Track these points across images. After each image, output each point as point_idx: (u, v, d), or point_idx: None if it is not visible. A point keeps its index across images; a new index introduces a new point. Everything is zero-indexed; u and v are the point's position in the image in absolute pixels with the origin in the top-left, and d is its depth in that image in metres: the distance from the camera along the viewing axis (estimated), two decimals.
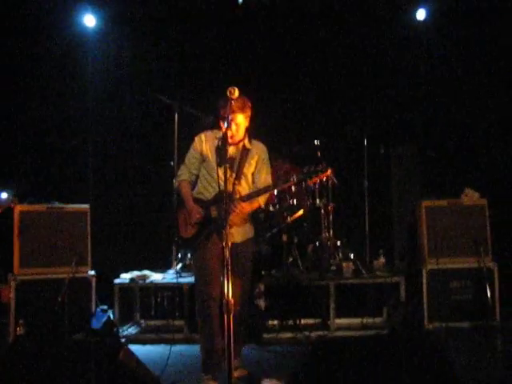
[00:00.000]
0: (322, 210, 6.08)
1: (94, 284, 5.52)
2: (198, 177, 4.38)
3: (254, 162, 4.31)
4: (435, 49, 6.76)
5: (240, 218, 4.24)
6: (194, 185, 4.39)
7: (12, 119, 6.59)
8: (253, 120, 4.28)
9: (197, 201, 4.27)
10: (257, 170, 4.33)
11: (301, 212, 5.98)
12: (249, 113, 4.22)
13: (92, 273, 5.54)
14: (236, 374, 4.18)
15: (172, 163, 5.94)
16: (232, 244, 3.86)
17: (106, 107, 6.83)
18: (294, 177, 4.13)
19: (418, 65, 6.79)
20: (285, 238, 5.88)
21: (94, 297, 5.50)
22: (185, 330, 5.49)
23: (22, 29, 6.53)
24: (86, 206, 5.68)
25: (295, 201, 5.93)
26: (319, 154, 6.06)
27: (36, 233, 5.47)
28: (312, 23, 6.83)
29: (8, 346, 5.03)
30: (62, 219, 5.57)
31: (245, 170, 4.28)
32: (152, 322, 5.94)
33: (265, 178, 4.33)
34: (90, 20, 6.69)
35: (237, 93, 3.59)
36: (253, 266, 4.41)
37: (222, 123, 4.13)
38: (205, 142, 4.31)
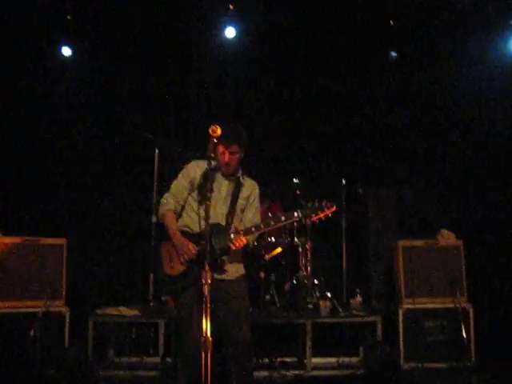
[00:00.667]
0: (300, 248, 6.10)
1: (67, 319, 5.43)
2: (183, 207, 4.07)
3: (245, 197, 4.09)
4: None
5: (236, 254, 3.97)
6: (178, 216, 4.08)
7: None
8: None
9: (183, 233, 3.96)
10: (246, 208, 4.09)
11: (278, 250, 6.00)
12: (245, 142, 4.00)
13: (65, 308, 5.45)
14: None
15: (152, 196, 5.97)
16: (226, 281, 3.85)
17: (86, 138, 6.83)
18: (299, 212, 3.88)
19: (393, 104, 6.94)
20: (262, 275, 5.87)
21: (67, 332, 5.40)
22: (159, 368, 5.40)
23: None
24: (62, 240, 5.62)
25: (273, 238, 5.95)
26: (298, 192, 6.11)
27: (10, 265, 5.38)
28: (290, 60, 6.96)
29: None
30: (38, 252, 5.49)
31: (236, 206, 4.03)
32: (126, 359, 5.83)
33: (253, 216, 4.10)
34: (66, 50, 6.77)
35: (219, 131, 3.51)
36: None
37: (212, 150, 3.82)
38: (198, 171, 4.03)
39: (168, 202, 4.07)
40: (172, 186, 4.12)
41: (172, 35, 6.79)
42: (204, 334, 3.19)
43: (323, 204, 3.93)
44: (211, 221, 3.58)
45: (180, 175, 4.13)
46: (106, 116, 6.81)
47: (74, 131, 6.81)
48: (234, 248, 3.83)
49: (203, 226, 3.65)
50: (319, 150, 7.00)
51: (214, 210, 3.86)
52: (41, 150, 6.72)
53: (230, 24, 6.68)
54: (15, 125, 6.65)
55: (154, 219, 5.95)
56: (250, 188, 4.14)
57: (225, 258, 3.89)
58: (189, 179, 4.04)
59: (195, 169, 4.05)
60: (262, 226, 3.88)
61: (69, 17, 6.52)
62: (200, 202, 3.90)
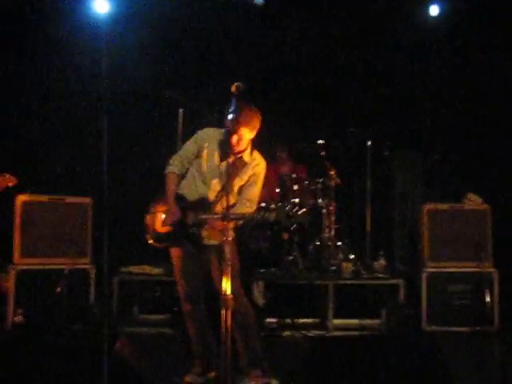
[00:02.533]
0: (324, 210, 6.07)
1: (93, 276, 5.54)
2: (188, 170, 4.18)
3: (246, 177, 4.08)
4: (445, 49, 6.72)
5: (217, 234, 3.98)
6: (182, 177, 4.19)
7: (16, 109, 6.60)
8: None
9: (178, 198, 4.09)
10: (247, 184, 4.09)
11: (303, 211, 5.97)
12: (256, 126, 4.02)
13: (92, 265, 5.55)
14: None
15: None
16: (211, 246, 3.97)
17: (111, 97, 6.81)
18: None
19: (426, 67, 6.78)
20: (285, 236, 5.88)
21: (93, 289, 5.51)
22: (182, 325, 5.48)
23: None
24: (87, 199, 5.69)
25: (297, 199, 5.93)
26: (322, 153, 6.06)
27: (37, 223, 5.48)
28: (318, 23, 6.82)
29: (6, 333, 5.12)
30: (64, 210, 5.58)
31: (234, 183, 4.05)
32: (150, 316, 5.94)
33: (252, 194, 4.08)
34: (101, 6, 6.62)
35: (242, 89, 3.53)
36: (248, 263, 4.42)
37: (228, 124, 4.00)
38: (207, 140, 4.12)
39: (174, 164, 4.17)
40: (182, 149, 4.24)
41: None
42: (224, 292, 3.26)
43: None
44: (205, 192, 3.97)
45: (191, 139, 4.19)
46: (129, 75, 6.76)
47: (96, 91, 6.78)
48: (207, 227, 3.94)
49: (196, 195, 4.01)
50: (345, 110, 6.89)
51: (210, 182, 4.02)
52: (66, 107, 6.73)
53: None
54: (41, 81, 6.66)
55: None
56: (255, 168, 4.12)
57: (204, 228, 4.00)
58: (197, 146, 4.13)
59: (202, 139, 4.14)
60: (237, 216, 3.88)
61: None
62: (203, 170, 4.04)
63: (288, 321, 5.58)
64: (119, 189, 6.73)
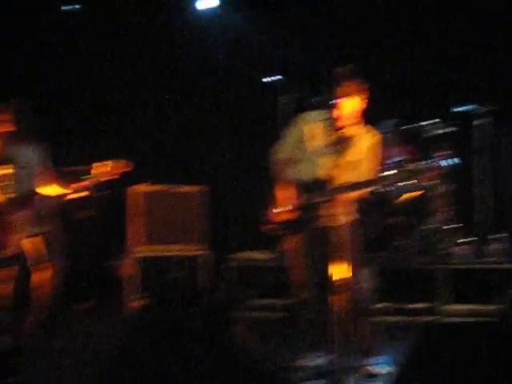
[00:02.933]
0: (433, 192, 5.95)
1: (210, 263, 5.78)
2: (297, 155, 4.11)
3: (358, 152, 3.98)
4: None
5: (340, 208, 3.91)
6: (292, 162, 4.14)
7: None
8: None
9: (293, 183, 4.04)
10: (360, 159, 3.99)
11: (412, 193, 5.90)
12: (364, 96, 3.93)
13: (209, 252, 5.80)
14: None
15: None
16: (333, 227, 3.75)
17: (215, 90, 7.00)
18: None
19: None
20: (394, 219, 5.84)
21: (208, 275, 5.76)
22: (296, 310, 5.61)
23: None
24: (204, 187, 5.92)
25: (405, 181, 5.84)
26: (434, 133, 5.90)
27: (157, 212, 5.80)
28: None
29: (138, 314, 5.47)
30: (182, 199, 5.86)
31: (348, 158, 3.93)
32: (266, 301, 6.10)
33: (368, 169, 3.99)
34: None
35: (345, 72, 3.57)
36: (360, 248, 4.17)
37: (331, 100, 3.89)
38: (308, 122, 4.06)
39: (279, 150, 4.17)
40: (285, 134, 4.19)
41: None
42: (335, 277, 3.35)
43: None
44: (317, 173, 3.80)
45: (293, 124, 4.15)
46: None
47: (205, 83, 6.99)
48: (326, 208, 3.83)
49: (310, 177, 3.92)
50: (449, 90, 6.65)
51: (321, 161, 3.88)
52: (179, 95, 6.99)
53: None
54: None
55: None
56: (368, 139, 4.02)
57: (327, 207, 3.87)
58: (300, 129, 4.09)
59: (303, 122, 4.09)
60: (359, 184, 3.83)
61: None
62: (310, 152, 3.98)
63: (399, 306, 5.56)
64: (233, 176, 6.95)
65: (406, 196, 5.88)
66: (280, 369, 4.06)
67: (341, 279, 3.34)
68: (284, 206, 4.04)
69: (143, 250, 5.74)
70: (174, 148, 6.98)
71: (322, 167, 3.90)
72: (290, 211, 4.01)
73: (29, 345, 4.59)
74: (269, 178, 5.90)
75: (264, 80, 5.82)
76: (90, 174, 4.82)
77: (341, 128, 3.96)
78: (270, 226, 4.17)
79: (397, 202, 5.85)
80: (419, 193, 5.91)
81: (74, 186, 4.68)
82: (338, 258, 3.62)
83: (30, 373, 4.03)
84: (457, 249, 5.68)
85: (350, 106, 3.92)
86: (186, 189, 5.92)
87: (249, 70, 6.81)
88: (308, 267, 4.05)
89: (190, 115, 6.98)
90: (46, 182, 4.72)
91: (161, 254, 5.74)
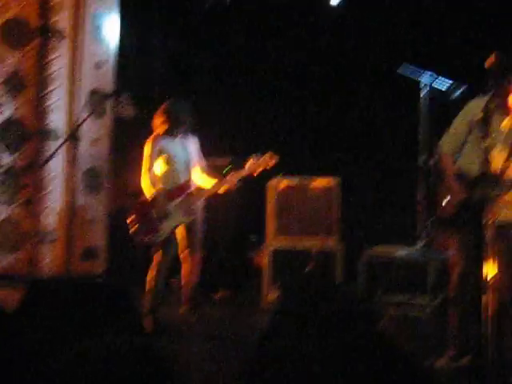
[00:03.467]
0: None
1: (340, 256, 5.75)
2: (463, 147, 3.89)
3: None
4: None
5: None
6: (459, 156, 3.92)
7: None
8: None
9: (459, 177, 3.83)
10: None
11: None
12: None
13: (339, 245, 5.77)
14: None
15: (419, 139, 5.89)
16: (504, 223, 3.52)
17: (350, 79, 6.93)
18: None
19: None
20: None
21: (340, 268, 5.73)
22: (427, 309, 5.45)
23: None
24: (335, 179, 5.91)
25: None
26: None
27: (289, 205, 5.87)
28: None
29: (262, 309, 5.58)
30: (313, 192, 5.88)
31: None
32: (395, 298, 5.96)
33: None
34: None
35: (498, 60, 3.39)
36: None
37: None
38: (478, 110, 3.69)
39: (444, 144, 3.97)
40: (451, 126, 3.98)
41: None
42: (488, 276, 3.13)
43: None
44: (486, 166, 3.46)
45: (460, 115, 3.93)
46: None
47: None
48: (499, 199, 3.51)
49: (478, 169, 3.61)
50: None
51: (492, 151, 3.55)
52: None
53: None
54: None
55: (421, 160, 5.89)
56: None
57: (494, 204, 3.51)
58: (466, 120, 3.86)
59: (474, 108, 3.82)
60: None
61: None
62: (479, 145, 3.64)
63: None
64: (365, 168, 6.85)
65: None
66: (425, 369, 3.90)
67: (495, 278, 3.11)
68: (452, 200, 3.80)
69: (280, 243, 5.81)
70: (305, 139, 7.00)
71: (493, 159, 3.57)
72: (453, 206, 3.79)
73: (173, 328, 4.86)
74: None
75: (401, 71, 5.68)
76: (234, 166, 5.19)
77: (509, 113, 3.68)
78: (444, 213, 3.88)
79: None
80: None
81: (229, 178, 4.98)
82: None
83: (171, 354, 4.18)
84: None
85: None
86: (318, 181, 5.91)
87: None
88: (467, 266, 3.77)
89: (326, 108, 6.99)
90: (201, 174, 5.11)
91: (293, 246, 5.77)
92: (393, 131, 6.72)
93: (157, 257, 4.89)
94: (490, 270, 3.11)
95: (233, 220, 6.61)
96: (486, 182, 3.53)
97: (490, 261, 3.11)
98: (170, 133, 5.02)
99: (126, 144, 6.82)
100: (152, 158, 4.96)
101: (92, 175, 6.38)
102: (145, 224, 4.82)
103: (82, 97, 6.14)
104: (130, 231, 4.87)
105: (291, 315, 3.95)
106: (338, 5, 6.77)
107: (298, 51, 7.07)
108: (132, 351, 2.65)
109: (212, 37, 7.25)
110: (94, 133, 6.37)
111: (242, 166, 5.01)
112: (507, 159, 3.58)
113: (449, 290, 3.98)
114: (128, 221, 4.88)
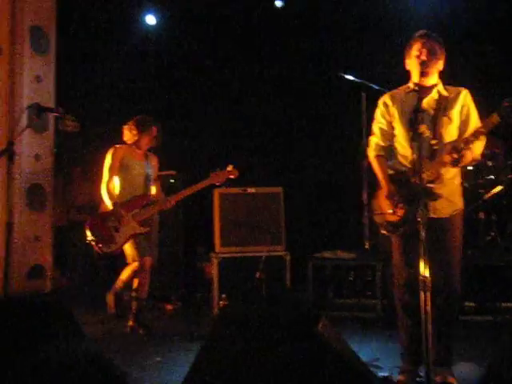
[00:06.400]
0: None
1: (288, 262, 5.78)
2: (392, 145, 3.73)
3: (455, 112, 3.56)
4: None
5: (447, 188, 3.55)
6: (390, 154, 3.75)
7: None
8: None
9: (394, 175, 3.67)
10: (462, 121, 3.56)
11: (499, 188, 5.64)
12: (442, 46, 3.60)
13: (286, 251, 5.80)
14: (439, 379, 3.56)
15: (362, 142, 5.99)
16: (437, 219, 3.46)
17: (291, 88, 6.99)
18: (494, 115, 3.27)
19: None
20: (482, 215, 5.60)
21: (288, 275, 5.75)
22: (377, 310, 5.50)
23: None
24: (278, 188, 5.95)
25: (492, 176, 5.60)
26: None
27: (234, 214, 5.87)
28: None
29: (216, 316, 5.54)
30: (257, 201, 5.91)
31: (442, 125, 3.53)
32: (344, 301, 6.01)
33: (471, 126, 3.50)
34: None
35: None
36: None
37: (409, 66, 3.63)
38: (391, 103, 3.70)
39: (371, 147, 3.80)
40: (373, 127, 3.82)
41: None
42: (422, 274, 3.07)
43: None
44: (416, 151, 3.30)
45: (376, 112, 3.80)
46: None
47: None
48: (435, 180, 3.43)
49: (409, 161, 3.50)
50: None
51: (421, 135, 3.41)
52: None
53: None
54: None
55: (365, 164, 5.99)
56: (459, 97, 3.59)
57: (436, 194, 3.49)
58: (385, 116, 3.73)
59: (385, 106, 3.74)
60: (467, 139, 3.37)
61: None
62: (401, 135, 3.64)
63: (489, 305, 5.31)
64: (308, 175, 6.92)
65: (494, 190, 5.63)
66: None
67: (436, 278, 3.11)
68: (389, 203, 3.62)
69: (227, 252, 5.80)
70: (250, 149, 7.03)
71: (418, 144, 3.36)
72: (395, 208, 3.59)
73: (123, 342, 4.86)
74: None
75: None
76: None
77: (425, 92, 3.59)
78: (385, 230, 3.74)
79: (484, 197, 5.62)
80: (505, 186, 5.64)
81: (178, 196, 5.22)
82: (438, 255, 3.37)
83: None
84: None
85: (433, 58, 3.58)
86: (263, 190, 5.96)
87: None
88: (410, 267, 3.55)
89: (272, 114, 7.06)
90: (157, 189, 5.32)
91: (241, 254, 5.78)
92: (336, 135, 6.80)
93: (131, 266, 5.03)
94: (423, 269, 3.08)
95: (181, 232, 6.60)
96: (418, 172, 3.33)
97: (423, 260, 3.08)
98: (136, 146, 5.17)
99: (72, 158, 6.76)
100: (113, 169, 5.06)
101: (35, 192, 6.25)
102: (101, 234, 4.91)
103: (21, 111, 6.02)
104: (87, 241, 4.93)
105: (240, 323, 3.94)
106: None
107: (239, 61, 7.10)
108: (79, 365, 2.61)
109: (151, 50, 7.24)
110: (37, 149, 6.25)
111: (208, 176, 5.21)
112: (432, 141, 3.50)
113: (395, 293, 3.85)
114: (85, 231, 4.92)
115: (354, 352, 3.76)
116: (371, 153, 3.81)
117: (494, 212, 5.72)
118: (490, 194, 5.61)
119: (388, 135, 3.75)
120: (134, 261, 5.03)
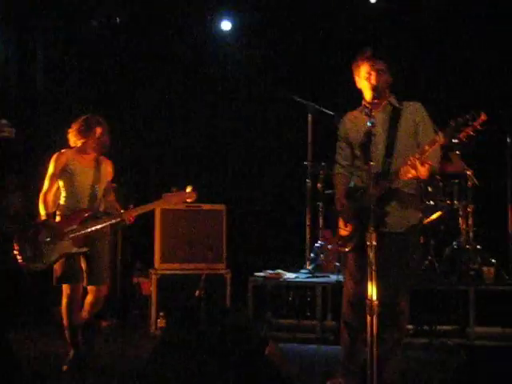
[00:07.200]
0: (461, 212, 5.82)
1: (228, 281, 5.70)
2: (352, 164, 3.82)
3: (408, 126, 3.63)
4: None
5: (399, 202, 3.59)
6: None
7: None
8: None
9: (352, 192, 3.74)
10: (419, 134, 3.62)
11: (438, 213, 5.77)
12: (389, 61, 3.68)
13: (227, 270, 5.73)
14: None
15: (306, 163, 6.02)
16: (390, 234, 3.48)
17: (238, 107, 7.00)
18: (440, 134, 3.29)
19: None
20: (421, 240, 5.70)
21: (228, 293, 5.68)
22: (317, 330, 5.49)
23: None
24: (221, 206, 5.88)
25: (432, 202, 5.73)
26: (458, 152, 5.79)
27: (175, 230, 5.75)
28: None
29: (158, 339, 5.37)
30: (200, 218, 5.81)
31: (398, 138, 3.60)
32: (283, 321, 5.98)
33: (427, 138, 3.49)
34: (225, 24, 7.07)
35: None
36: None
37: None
38: (347, 124, 3.83)
39: (334, 166, 3.95)
40: (336, 145, 3.93)
41: None
42: (369, 298, 3.08)
43: (468, 116, 3.21)
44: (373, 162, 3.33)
45: (338, 132, 3.90)
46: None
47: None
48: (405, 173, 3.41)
49: (366, 173, 3.47)
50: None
51: (375, 150, 3.44)
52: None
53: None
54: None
55: (308, 184, 6.03)
56: (412, 110, 3.68)
57: (391, 206, 3.54)
58: (343, 137, 3.85)
59: (342, 127, 3.86)
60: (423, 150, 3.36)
61: None
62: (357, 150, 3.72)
63: (426, 328, 5.39)
64: (252, 194, 6.89)
65: (432, 216, 5.76)
66: None
67: (381, 299, 3.10)
68: (343, 218, 3.72)
69: (167, 269, 5.67)
70: (195, 166, 6.95)
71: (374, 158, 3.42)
72: (349, 222, 3.67)
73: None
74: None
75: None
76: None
77: (378, 109, 3.67)
78: (339, 245, 3.78)
79: (425, 222, 5.72)
80: (444, 212, 5.79)
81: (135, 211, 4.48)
82: (383, 273, 3.27)
83: None
84: (485, 269, 5.49)
85: (382, 77, 3.67)
86: (206, 207, 5.85)
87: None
88: (360, 283, 3.51)
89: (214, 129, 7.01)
90: (110, 200, 4.68)
91: (181, 272, 5.66)
92: (282, 154, 6.82)
93: (65, 289, 4.45)
94: (370, 290, 3.10)
95: (118, 245, 6.40)
96: (379, 182, 3.45)
97: (371, 283, 3.10)
98: (82, 150, 4.55)
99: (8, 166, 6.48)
100: (54, 177, 4.47)
101: None
102: (29, 248, 4.27)
103: None
104: (13, 256, 4.31)
105: (178, 342, 3.83)
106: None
107: (185, 78, 7.05)
108: None
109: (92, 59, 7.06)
110: None
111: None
112: (386, 158, 3.57)
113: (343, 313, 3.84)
114: (13, 245, 4.31)
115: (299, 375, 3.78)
116: (334, 170, 3.97)
117: (432, 237, 5.84)
118: (429, 219, 5.72)
119: (347, 154, 3.85)
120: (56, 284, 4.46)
